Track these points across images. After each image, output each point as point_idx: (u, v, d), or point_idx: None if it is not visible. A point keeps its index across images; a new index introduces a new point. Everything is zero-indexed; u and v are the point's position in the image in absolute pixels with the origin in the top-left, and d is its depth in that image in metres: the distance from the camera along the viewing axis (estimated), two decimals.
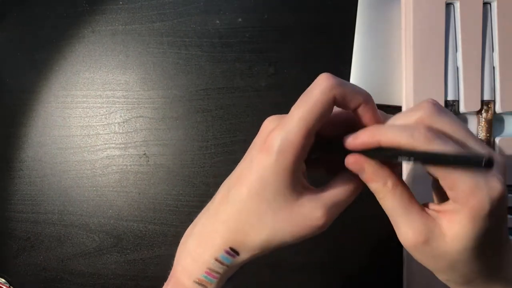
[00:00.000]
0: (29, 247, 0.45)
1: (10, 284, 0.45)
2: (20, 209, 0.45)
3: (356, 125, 0.25)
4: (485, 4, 0.37)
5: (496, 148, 0.37)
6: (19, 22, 0.46)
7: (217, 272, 0.26)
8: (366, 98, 0.24)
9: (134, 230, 0.44)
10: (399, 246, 0.39)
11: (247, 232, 0.25)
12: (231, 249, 0.25)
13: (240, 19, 0.44)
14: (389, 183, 0.24)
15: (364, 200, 0.42)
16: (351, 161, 0.24)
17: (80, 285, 0.44)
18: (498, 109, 0.37)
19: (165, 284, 0.28)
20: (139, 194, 0.44)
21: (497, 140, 0.38)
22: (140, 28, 0.45)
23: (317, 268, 0.42)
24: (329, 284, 0.42)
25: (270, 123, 0.25)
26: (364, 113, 0.24)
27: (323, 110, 0.23)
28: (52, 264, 0.44)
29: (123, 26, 0.45)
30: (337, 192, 0.25)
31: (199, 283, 0.26)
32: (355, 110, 0.24)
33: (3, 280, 0.45)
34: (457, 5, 0.37)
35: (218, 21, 0.44)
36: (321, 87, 0.23)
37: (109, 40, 0.45)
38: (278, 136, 0.23)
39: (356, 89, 0.24)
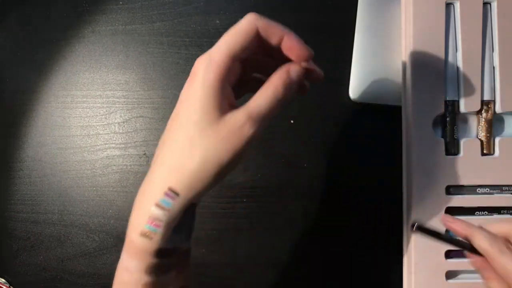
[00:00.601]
0: (29, 247, 0.45)
1: (10, 284, 0.45)
2: (20, 209, 0.45)
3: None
4: (485, 4, 0.37)
5: (497, 148, 0.37)
6: (19, 22, 0.46)
7: (160, 220, 0.25)
8: (287, 31, 0.26)
9: None
10: (398, 248, 0.39)
11: (181, 163, 0.25)
12: (170, 189, 0.25)
13: (240, 19, 0.44)
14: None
15: (363, 198, 0.42)
16: (476, 264, 0.30)
17: (80, 285, 0.44)
18: (498, 109, 0.37)
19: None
20: None
21: (497, 140, 0.38)
22: (140, 28, 0.45)
23: (317, 268, 0.42)
24: (329, 284, 0.42)
25: (198, 60, 0.26)
26: (290, 45, 0.26)
27: (246, 37, 0.25)
28: (52, 264, 0.44)
29: (123, 26, 0.45)
30: (258, 100, 0.26)
31: (144, 235, 0.25)
32: (280, 44, 0.26)
33: (3, 280, 0.45)
34: (457, 5, 0.37)
35: (218, 21, 0.44)
36: (246, 18, 0.26)
37: (109, 40, 0.45)
38: (203, 60, 0.25)
39: (277, 24, 0.26)
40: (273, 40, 0.26)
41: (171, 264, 0.27)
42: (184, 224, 0.27)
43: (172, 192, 0.25)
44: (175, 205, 0.25)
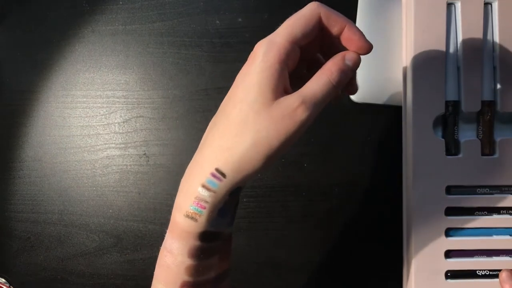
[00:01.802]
0: (29, 247, 0.45)
1: (10, 284, 0.45)
2: (20, 209, 0.45)
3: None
4: (486, 4, 0.37)
5: (497, 149, 0.37)
6: (19, 22, 0.46)
7: (205, 201, 0.25)
8: (349, 21, 0.26)
9: (134, 230, 0.44)
10: (398, 248, 0.39)
11: (231, 144, 0.24)
12: (217, 170, 0.25)
13: (240, 19, 0.44)
14: None
15: (363, 198, 0.42)
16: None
17: (80, 285, 0.44)
18: (498, 109, 0.37)
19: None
20: (139, 194, 0.44)
21: (497, 140, 0.38)
22: (140, 28, 0.44)
23: (317, 268, 0.42)
24: (329, 284, 0.42)
25: (258, 43, 0.26)
26: (351, 36, 0.26)
27: (309, 22, 0.25)
28: (52, 264, 0.44)
29: (123, 26, 0.45)
30: (312, 85, 0.25)
31: (189, 216, 0.25)
32: (340, 34, 0.26)
33: (3, 280, 0.45)
34: (458, 5, 0.37)
35: (218, 21, 0.44)
36: (309, 5, 0.26)
37: (109, 40, 0.45)
38: (264, 42, 0.25)
39: (340, 14, 0.26)
40: (335, 29, 0.26)
41: (214, 248, 0.27)
42: (230, 207, 0.26)
43: (219, 173, 0.25)
44: (222, 186, 0.25)
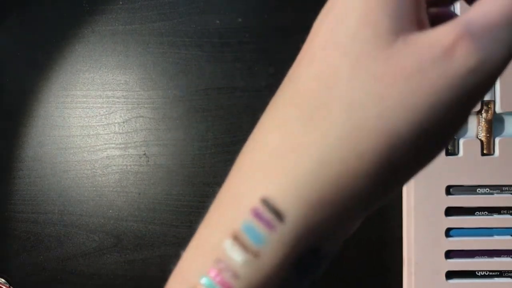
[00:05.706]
0: (29, 247, 0.45)
1: (10, 284, 0.45)
2: (20, 209, 0.45)
3: None
4: None
5: (497, 148, 0.37)
6: (19, 22, 0.46)
7: (235, 275, 0.12)
8: None
9: (134, 230, 0.44)
10: (398, 248, 0.39)
11: (301, 138, 0.12)
12: (264, 202, 0.12)
13: (240, 19, 0.44)
14: None
15: None
16: None
17: (80, 285, 0.44)
18: (498, 109, 0.37)
19: None
20: (139, 194, 0.44)
21: (497, 140, 0.38)
22: (140, 28, 0.45)
23: None
24: (328, 283, 0.42)
25: None
26: None
27: None
28: (52, 264, 0.44)
29: (123, 26, 0.45)
30: (484, 7, 0.12)
31: None
32: None
33: (3, 280, 0.45)
34: (457, 5, 0.37)
35: (218, 21, 0.44)
36: None
37: (109, 40, 0.45)
38: None
39: None
40: None
41: None
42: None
43: (269, 209, 0.12)
44: (274, 241, 0.12)
